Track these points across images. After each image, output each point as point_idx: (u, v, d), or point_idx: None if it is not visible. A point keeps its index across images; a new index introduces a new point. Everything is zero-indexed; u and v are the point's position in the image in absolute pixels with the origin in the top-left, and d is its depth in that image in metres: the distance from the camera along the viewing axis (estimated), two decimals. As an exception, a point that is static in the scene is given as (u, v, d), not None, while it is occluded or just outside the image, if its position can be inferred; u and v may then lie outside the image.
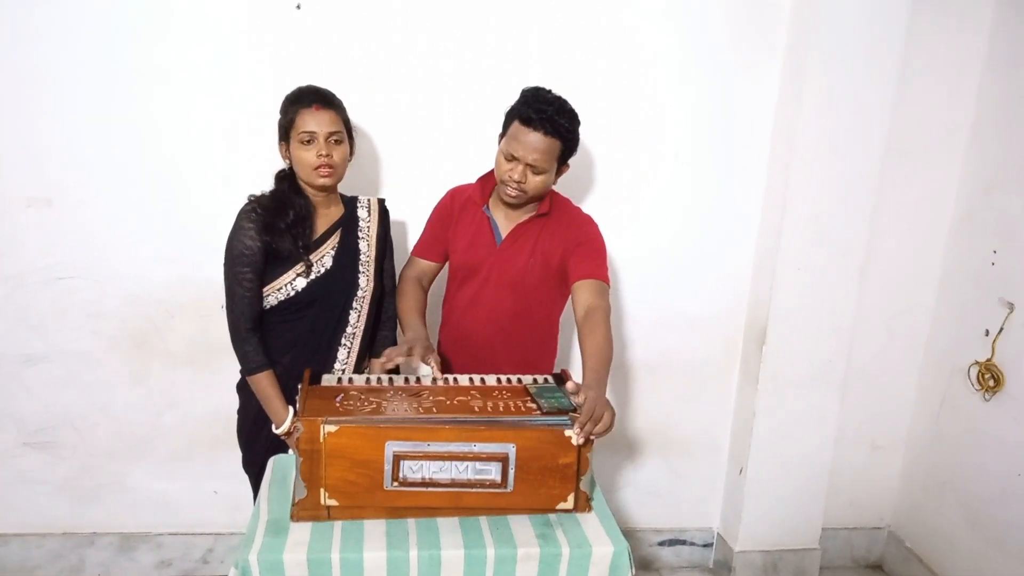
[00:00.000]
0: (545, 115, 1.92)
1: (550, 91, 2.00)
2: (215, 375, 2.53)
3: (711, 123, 2.63)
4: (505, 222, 2.12)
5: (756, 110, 2.63)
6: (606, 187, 2.63)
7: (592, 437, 1.60)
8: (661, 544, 3.01)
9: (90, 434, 2.62)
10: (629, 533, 2.97)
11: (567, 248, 2.08)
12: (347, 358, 2.10)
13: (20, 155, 2.38)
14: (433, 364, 1.91)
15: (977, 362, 2.63)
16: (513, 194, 2.01)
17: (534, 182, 1.99)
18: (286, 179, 2.05)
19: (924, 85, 2.65)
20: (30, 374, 2.54)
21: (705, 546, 3.04)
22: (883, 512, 3.08)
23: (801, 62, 2.50)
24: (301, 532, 1.56)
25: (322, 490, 1.55)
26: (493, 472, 1.56)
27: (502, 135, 2.02)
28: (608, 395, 2.74)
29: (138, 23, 2.33)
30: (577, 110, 2.03)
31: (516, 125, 1.96)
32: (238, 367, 2.09)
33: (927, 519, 2.88)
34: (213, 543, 2.76)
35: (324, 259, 2.04)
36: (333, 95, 2.03)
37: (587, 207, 2.29)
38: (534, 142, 1.94)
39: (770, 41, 2.58)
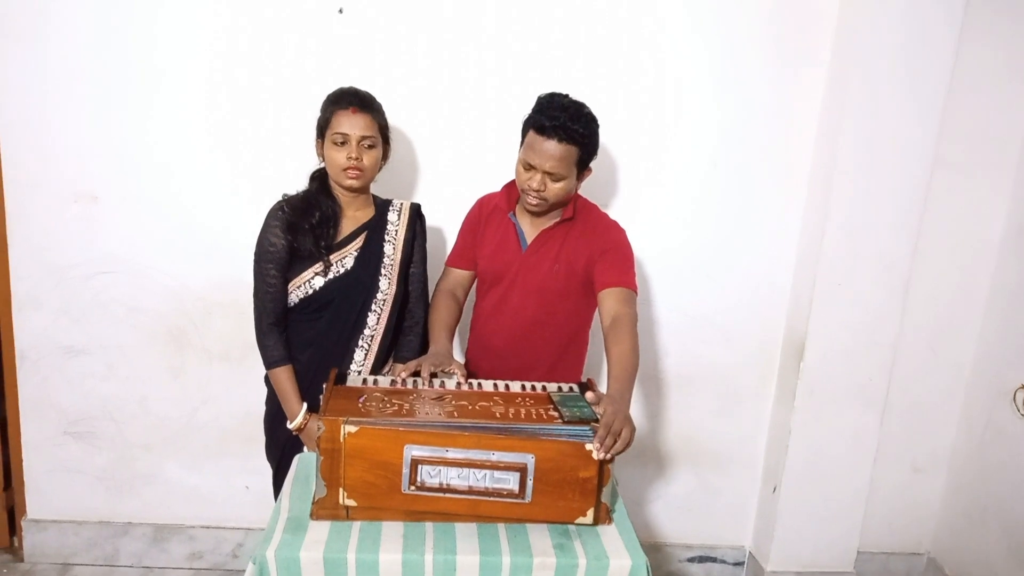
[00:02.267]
0: (559, 122, 1.90)
1: (566, 96, 1.98)
2: (249, 372, 2.57)
3: (751, 133, 2.58)
4: (530, 228, 2.12)
5: (798, 121, 2.58)
6: (644, 195, 2.61)
7: (611, 454, 1.57)
8: (691, 560, 2.96)
9: (127, 426, 2.68)
10: (658, 547, 2.93)
11: (592, 254, 2.06)
12: (364, 360, 2.11)
13: (68, 152, 2.45)
14: (457, 372, 1.91)
15: (1023, 386, 2.54)
16: (534, 203, 2.00)
17: (554, 189, 1.98)
18: (317, 179, 2.09)
19: (974, 96, 2.57)
20: (72, 365, 2.61)
21: (736, 564, 2.98)
22: (923, 537, 2.98)
23: (846, 72, 2.44)
24: (320, 531, 1.56)
25: (341, 490, 1.55)
26: (511, 482, 1.54)
27: (521, 144, 2.02)
28: (640, 405, 2.77)
29: (181, 26, 2.38)
30: (609, 116, 2.01)
31: (532, 134, 1.95)
32: (264, 359, 2.13)
33: (968, 546, 2.79)
34: (243, 538, 2.80)
35: (345, 260, 2.06)
36: (372, 98, 2.05)
37: (622, 214, 2.27)
38: (550, 150, 1.92)
39: (814, 51, 2.53)
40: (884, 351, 2.66)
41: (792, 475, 2.74)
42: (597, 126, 2.00)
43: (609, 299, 1.98)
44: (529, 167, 1.97)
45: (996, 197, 2.67)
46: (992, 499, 2.68)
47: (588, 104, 2.00)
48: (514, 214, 2.14)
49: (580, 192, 2.14)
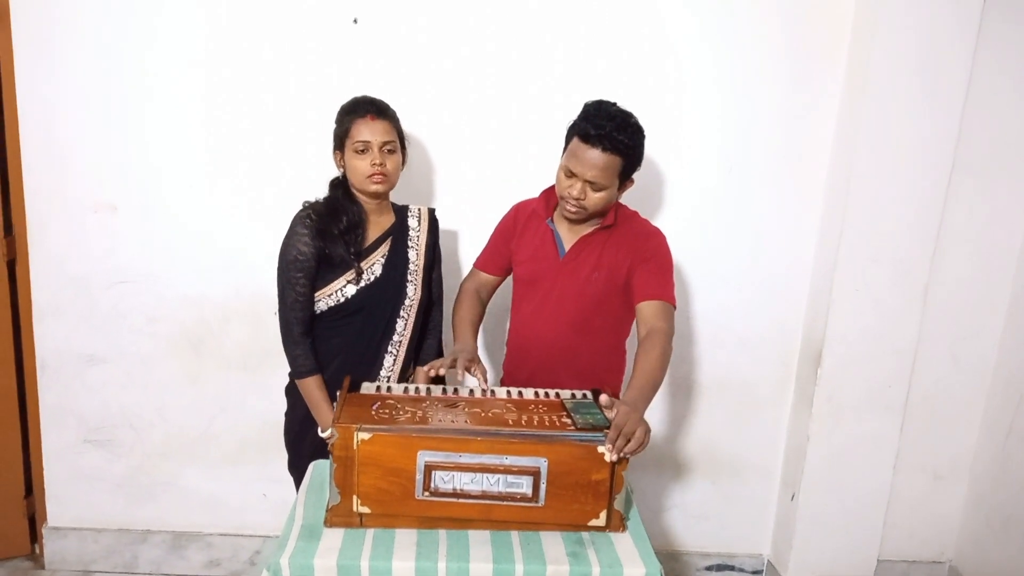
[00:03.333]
0: (604, 131, 1.88)
1: (614, 104, 1.96)
2: (267, 380, 2.58)
3: (767, 137, 2.57)
4: (569, 235, 2.09)
5: (815, 125, 2.57)
6: (660, 200, 2.61)
7: (624, 455, 1.56)
8: (709, 569, 2.94)
9: (146, 434, 2.70)
10: (676, 556, 2.92)
11: (633, 262, 2.04)
12: (393, 365, 2.12)
13: (88, 163, 2.48)
14: (478, 375, 1.92)
15: (1046, 392, 2.50)
16: (573, 211, 1.99)
17: (594, 199, 1.96)
18: (339, 187, 2.09)
19: (995, 100, 2.54)
20: (92, 373, 2.64)
21: (755, 573, 2.96)
22: (944, 546, 2.94)
23: (863, 76, 2.43)
24: (333, 538, 1.56)
25: (355, 497, 1.56)
26: (524, 486, 1.55)
27: (564, 150, 2.00)
28: (657, 411, 2.76)
29: (199, 39, 2.41)
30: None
31: (576, 141, 1.93)
32: (287, 371, 2.14)
33: (991, 555, 2.74)
34: (261, 545, 2.81)
35: (374, 267, 2.07)
36: (387, 105, 2.06)
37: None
38: (593, 159, 1.90)
39: (831, 55, 2.51)
40: (903, 357, 2.64)
41: (811, 482, 2.71)
42: (643, 137, 1.97)
43: (647, 311, 1.97)
44: (571, 175, 1.95)
45: (1016, 201, 2.64)
46: (1015, 507, 2.64)
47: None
48: (552, 220, 2.12)
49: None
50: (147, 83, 2.43)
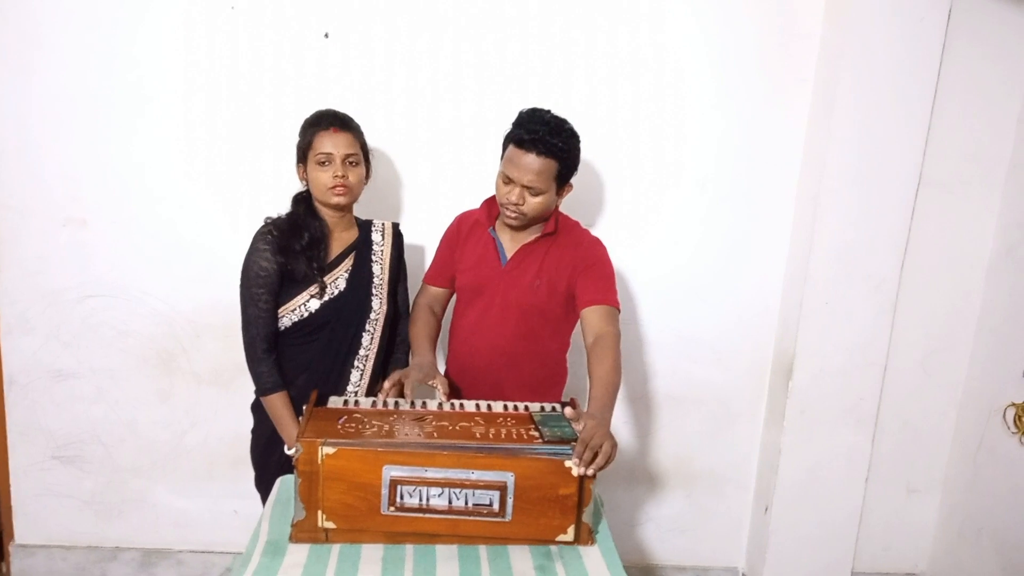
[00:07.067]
0: (538, 136, 1.91)
1: (547, 111, 1.98)
2: (238, 396, 2.57)
3: (738, 153, 2.60)
4: (511, 243, 2.11)
5: (785, 140, 2.60)
6: (632, 215, 2.62)
7: (593, 469, 1.56)
8: (684, 582, 2.94)
9: (116, 450, 2.67)
10: (650, 570, 2.91)
11: (575, 269, 2.06)
12: (360, 380, 2.11)
13: (58, 178, 2.47)
14: (439, 387, 1.91)
15: (1014, 404, 2.52)
16: (513, 216, 2.00)
17: (532, 204, 1.97)
18: (302, 202, 2.08)
19: (961, 116, 2.57)
20: (61, 389, 2.61)
21: (730, 585, 2.96)
22: (918, 558, 2.95)
23: (831, 92, 2.46)
24: (298, 554, 1.55)
25: (320, 512, 1.55)
26: (491, 501, 1.54)
27: (501, 157, 2.02)
28: (631, 425, 2.76)
29: (167, 52, 2.41)
30: (600, 139, 2.00)
31: (511, 148, 1.96)
32: (253, 387, 2.11)
33: (963, 567, 2.76)
34: (232, 562, 2.77)
35: (338, 281, 2.06)
36: (350, 118, 2.06)
37: (612, 235, 2.29)
38: (528, 164, 1.92)
39: (800, 71, 2.55)
40: (874, 370, 2.66)
41: (784, 495, 2.72)
42: (578, 141, 1.99)
43: (592, 317, 1.98)
44: (508, 181, 1.97)
45: (984, 215, 2.67)
46: (987, 519, 2.66)
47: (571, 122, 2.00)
48: (494, 229, 2.13)
49: (562, 209, 2.14)
50: (118, 98, 2.42)
